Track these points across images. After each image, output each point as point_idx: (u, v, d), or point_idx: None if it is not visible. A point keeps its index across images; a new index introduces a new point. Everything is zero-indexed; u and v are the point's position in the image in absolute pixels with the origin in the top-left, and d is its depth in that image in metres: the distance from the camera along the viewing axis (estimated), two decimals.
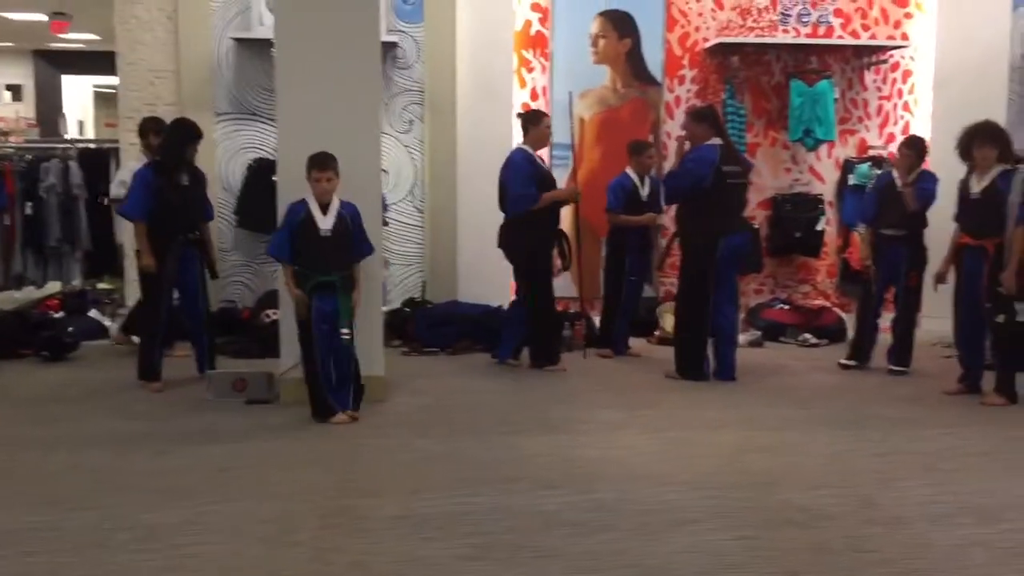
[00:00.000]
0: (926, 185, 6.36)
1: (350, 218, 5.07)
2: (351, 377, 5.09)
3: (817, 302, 8.26)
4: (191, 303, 6.01)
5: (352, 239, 5.10)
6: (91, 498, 3.90)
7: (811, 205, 8.28)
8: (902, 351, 6.50)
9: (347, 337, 4.97)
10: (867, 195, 6.90)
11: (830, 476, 4.26)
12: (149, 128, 6.40)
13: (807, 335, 7.64)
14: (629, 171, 7.09)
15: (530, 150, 6.49)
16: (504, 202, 6.49)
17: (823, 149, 8.39)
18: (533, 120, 6.52)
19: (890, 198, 6.43)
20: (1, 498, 3.91)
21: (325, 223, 4.99)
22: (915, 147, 6.49)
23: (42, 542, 3.45)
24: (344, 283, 5.03)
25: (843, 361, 6.64)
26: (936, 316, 8.08)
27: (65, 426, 5.03)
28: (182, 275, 5.92)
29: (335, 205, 5.04)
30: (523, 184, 6.33)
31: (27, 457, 4.48)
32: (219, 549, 3.40)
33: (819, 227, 8.24)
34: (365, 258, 5.21)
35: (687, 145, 6.25)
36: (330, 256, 5.00)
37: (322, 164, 4.97)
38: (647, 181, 7.11)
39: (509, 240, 6.54)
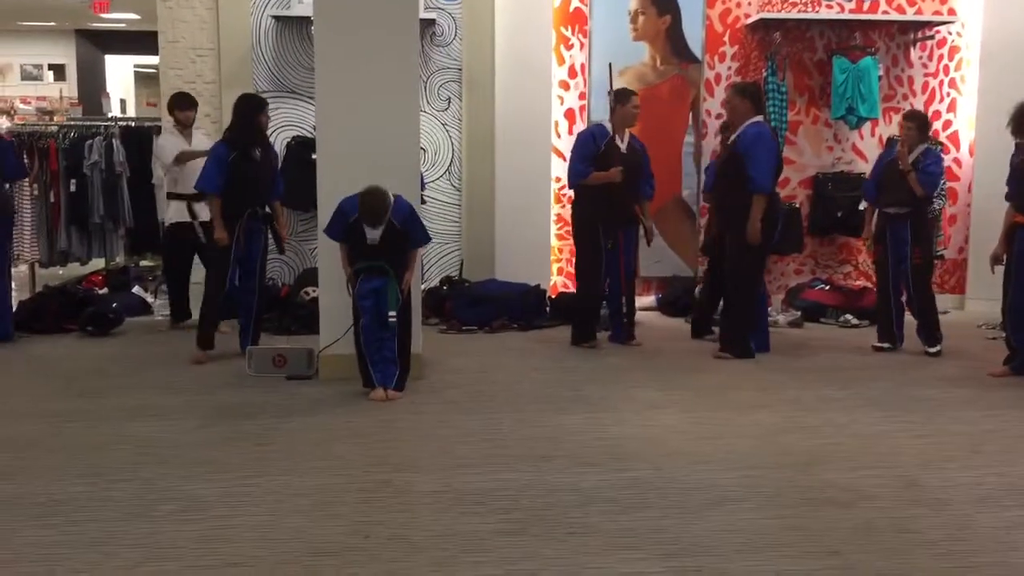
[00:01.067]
0: (930, 168, 6.27)
1: (401, 223, 5.07)
2: (393, 359, 5.11)
3: (859, 283, 8.16)
4: (249, 277, 6.07)
5: (403, 240, 5.14)
6: (135, 469, 3.97)
7: (853, 184, 8.15)
8: (927, 331, 6.38)
9: (392, 320, 4.99)
10: (870, 173, 6.80)
11: (872, 457, 4.21)
12: (175, 104, 6.88)
13: (848, 316, 7.55)
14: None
15: (609, 128, 6.42)
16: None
17: (866, 127, 8.26)
18: (621, 99, 6.43)
19: (892, 176, 6.34)
20: (48, 468, 3.99)
21: (373, 234, 5.00)
22: (916, 120, 6.41)
23: (88, 511, 3.52)
24: (394, 266, 5.07)
25: (876, 344, 6.54)
26: (980, 297, 7.98)
27: (109, 399, 5.11)
28: (246, 249, 5.98)
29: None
30: (579, 159, 6.37)
31: (73, 429, 4.56)
32: (260, 520, 3.44)
33: (861, 206, 8.10)
34: (420, 247, 5.36)
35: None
36: (377, 258, 5.04)
37: (374, 219, 4.96)
38: None
39: (572, 212, 6.68)
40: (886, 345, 6.50)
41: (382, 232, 5.00)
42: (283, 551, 3.19)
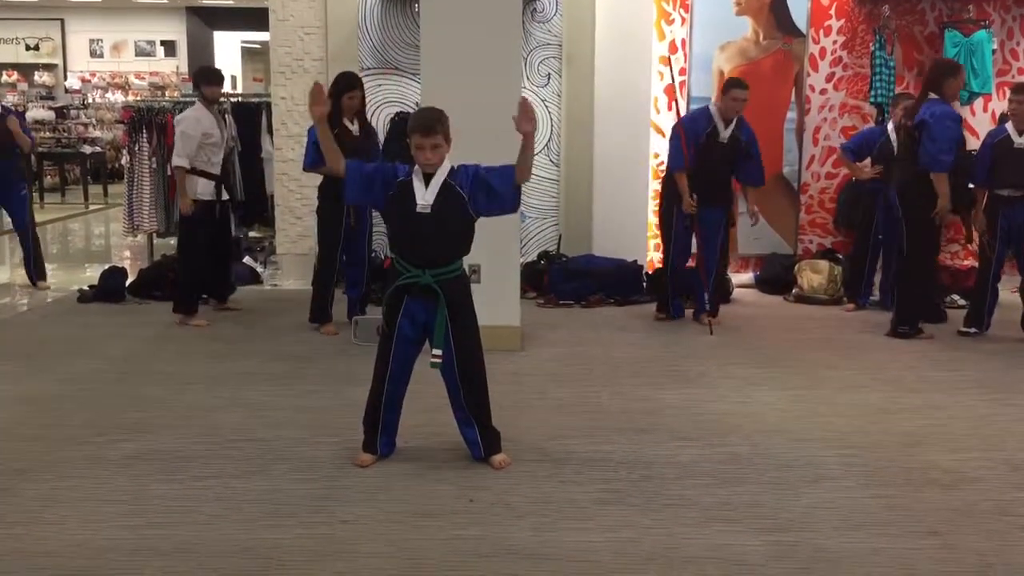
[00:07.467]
0: None
1: (461, 184, 3.68)
2: (467, 420, 3.89)
3: (967, 262, 7.94)
4: (357, 250, 6.25)
5: (463, 214, 3.70)
6: (250, 430, 4.20)
7: (963, 161, 7.90)
8: None
9: (438, 361, 3.72)
10: (979, 152, 6.46)
11: (976, 440, 4.16)
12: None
13: (954, 296, 7.35)
14: (888, 126, 6.81)
15: (713, 111, 6.43)
16: None
17: (978, 103, 8.00)
18: (726, 85, 6.43)
19: (1005, 156, 6.08)
20: (170, 427, 4.25)
21: (425, 197, 3.65)
22: None
23: (211, 468, 3.74)
24: (449, 286, 3.70)
25: (962, 329, 6.31)
26: None
27: (223, 364, 5.38)
28: (353, 224, 6.15)
29: (442, 174, 3.68)
30: (680, 146, 6.41)
31: (193, 391, 4.83)
32: (369, 483, 3.61)
33: (971, 184, 7.86)
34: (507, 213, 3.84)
35: None
36: (428, 242, 3.66)
37: (427, 127, 3.61)
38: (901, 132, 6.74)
39: (660, 187, 6.88)
40: (972, 330, 6.28)
41: (435, 199, 3.65)
42: (391, 511, 3.35)
